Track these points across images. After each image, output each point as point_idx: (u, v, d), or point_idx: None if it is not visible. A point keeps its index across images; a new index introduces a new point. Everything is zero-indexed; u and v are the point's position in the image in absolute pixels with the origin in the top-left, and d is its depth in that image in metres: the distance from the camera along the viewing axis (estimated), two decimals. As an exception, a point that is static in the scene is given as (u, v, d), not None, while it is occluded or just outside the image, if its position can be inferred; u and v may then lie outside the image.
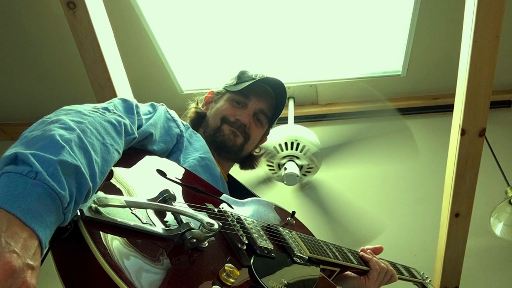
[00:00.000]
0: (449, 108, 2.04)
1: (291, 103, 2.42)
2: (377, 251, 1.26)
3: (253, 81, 1.20)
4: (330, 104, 2.53)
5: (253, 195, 1.11)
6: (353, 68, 2.28)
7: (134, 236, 0.59)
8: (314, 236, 1.08)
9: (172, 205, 0.68)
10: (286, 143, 2.04)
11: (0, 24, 2.08)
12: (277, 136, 2.04)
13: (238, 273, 0.65)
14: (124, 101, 0.86)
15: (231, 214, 0.82)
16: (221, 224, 0.69)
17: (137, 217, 0.62)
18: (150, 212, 0.65)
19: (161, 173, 0.81)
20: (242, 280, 0.68)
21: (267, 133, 1.33)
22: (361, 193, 2.46)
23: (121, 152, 0.72)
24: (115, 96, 1.73)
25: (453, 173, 1.85)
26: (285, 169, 2.02)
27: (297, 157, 2.06)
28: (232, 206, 0.91)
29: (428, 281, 1.44)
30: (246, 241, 0.75)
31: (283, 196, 2.22)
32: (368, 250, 1.23)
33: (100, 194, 0.62)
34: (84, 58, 1.67)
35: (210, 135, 1.18)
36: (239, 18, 1.98)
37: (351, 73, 2.31)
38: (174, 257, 0.61)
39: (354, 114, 2.38)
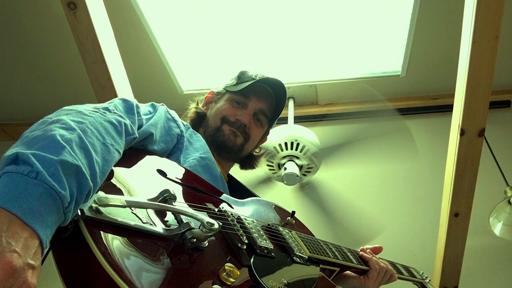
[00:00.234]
0: (449, 108, 2.04)
1: (291, 103, 2.42)
2: (376, 250, 1.26)
3: (253, 81, 1.20)
4: (330, 104, 2.53)
5: (253, 195, 1.11)
6: (352, 68, 2.28)
7: (135, 235, 0.59)
8: (314, 236, 1.08)
9: (172, 205, 0.68)
10: (286, 143, 2.05)
11: (1, 25, 2.08)
12: (277, 136, 2.04)
13: (238, 273, 0.65)
14: (125, 101, 0.86)
15: (231, 214, 0.83)
16: (221, 224, 0.69)
17: (138, 217, 0.62)
18: (151, 212, 0.65)
19: (162, 173, 0.82)
20: (242, 280, 0.68)
21: (267, 133, 1.34)
22: (361, 193, 2.47)
23: (121, 152, 0.73)
24: (116, 96, 1.73)
25: (452, 173, 1.85)
26: (285, 169, 2.03)
27: (297, 157, 2.07)
28: (232, 206, 0.91)
29: (428, 280, 1.44)
30: (246, 241, 0.75)
31: (283, 196, 2.22)
32: (368, 250, 1.23)
33: (101, 194, 0.62)
34: (84, 58, 1.67)
35: (210, 135, 1.19)
36: (239, 19, 1.98)
37: (350, 73, 2.31)
38: (175, 257, 0.61)
39: (354, 114, 2.39)
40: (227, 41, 2.08)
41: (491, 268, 2.44)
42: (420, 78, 2.38)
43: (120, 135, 0.74)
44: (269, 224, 0.92)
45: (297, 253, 0.88)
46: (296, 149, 2.05)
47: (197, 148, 1.05)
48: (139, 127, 0.85)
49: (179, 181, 0.83)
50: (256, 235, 0.80)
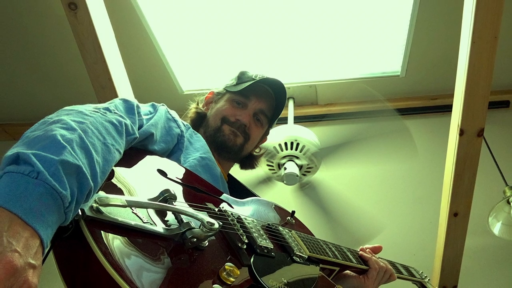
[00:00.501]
0: (448, 108, 2.04)
1: (290, 103, 2.42)
2: (376, 250, 1.26)
3: (253, 81, 1.21)
4: (330, 104, 2.53)
5: (253, 195, 1.11)
6: (352, 69, 2.29)
7: (135, 235, 0.60)
8: (313, 236, 1.08)
9: (172, 204, 0.68)
10: (286, 143, 2.05)
11: (2, 25, 2.09)
12: (277, 136, 2.04)
13: (238, 272, 0.66)
14: (125, 101, 0.86)
15: (231, 214, 0.83)
16: (221, 223, 0.69)
17: (138, 216, 0.63)
18: (151, 212, 0.66)
19: (162, 173, 0.82)
20: (242, 279, 0.68)
21: (267, 133, 1.34)
22: (360, 192, 2.47)
23: (122, 152, 0.73)
24: (116, 96, 1.74)
25: (451, 173, 1.86)
26: (285, 169, 2.03)
27: (297, 157, 2.07)
28: (232, 205, 0.91)
29: (427, 280, 1.44)
30: (246, 241, 0.76)
31: (283, 195, 2.22)
32: (367, 249, 1.23)
33: (101, 193, 0.63)
34: (85, 58, 1.67)
35: (211, 135, 1.19)
36: (239, 19, 1.99)
37: (350, 74, 2.32)
38: (175, 256, 0.61)
39: (354, 114, 2.39)
40: (227, 41, 2.09)
41: (490, 267, 2.44)
42: (420, 78, 2.39)
43: (121, 135, 0.74)
44: (269, 224, 0.92)
45: (297, 253, 0.88)
46: (296, 149, 2.05)
47: (197, 148, 1.05)
48: (140, 127, 0.85)
49: (180, 181, 0.83)
50: (256, 234, 0.80)
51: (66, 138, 0.60)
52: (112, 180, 0.69)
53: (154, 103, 1.01)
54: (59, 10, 1.70)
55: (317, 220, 1.96)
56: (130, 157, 0.79)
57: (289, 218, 1.05)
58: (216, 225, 0.67)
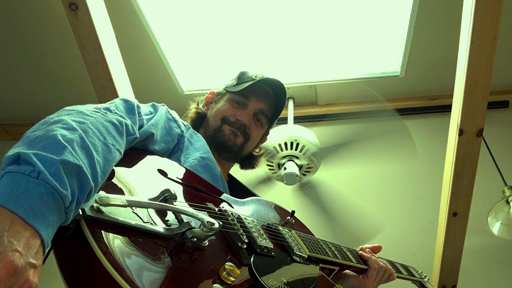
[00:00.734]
0: (447, 108, 2.04)
1: (290, 104, 2.43)
2: (375, 250, 1.26)
3: (253, 81, 1.21)
4: (329, 104, 2.54)
5: (253, 195, 1.12)
6: (352, 69, 2.29)
7: (136, 235, 0.60)
8: (313, 235, 1.08)
9: (173, 204, 0.68)
10: (285, 143, 2.05)
11: (3, 25, 2.09)
12: (277, 136, 2.04)
13: (238, 272, 0.66)
14: (126, 101, 0.86)
15: (232, 214, 0.83)
16: (221, 223, 0.70)
17: (138, 216, 0.63)
18: (151, 212, 0.66)
19: (162, 172, 0.82)
20: (242, 279, 0.68)
21: (267, 133, 1.34)
22: (360, 192, 2.47)
23: (122, 152, 0.73)
24: (117, 96, 1.74)
25: (451, 173, 1.86)
26: (285, 168, 2.03)
27: (297, 157, 2.07)
28: (233, 205, 0.91)
29: (427, 279, 1.44)
30: (246, 240, 0.76)
31: (283, 195, 2.23)
32: (367, 249, 1.23)
33: (102, 193, 0.63)
34: (85, 59, 1.68)
35: (211, 135, 1.19)
36: (239, 19, 1.99)
37: (350, 74, 2.32)
38: (175, 256, 0.61)
39: (353, 115, 2.39)
40: (227, 41, 2.09)
41: (490, 267, 2.45)
42: (419, 78, 2.39)
43: (121, 135, 0.74)
44: (269, 224, 0.93)
45: (297, 252, 0.88)
46: (296, 149, 2.06)
47: (198, 148, 1.05)
48: (140, 127, 0.86)
49: (180, 180, 0.84)
50: (256, 234, 0.81)
51: (67, 138, 0.60)
52: (113, 180, 0.69)
53: (154, 103, 1.01)
54: (59, 10, 1.70)
55: (317, 220, 1.96)
56: (131, 157, 0.79)
57: (289, 218, 1.06)
58: (216, 225, 0.67)
